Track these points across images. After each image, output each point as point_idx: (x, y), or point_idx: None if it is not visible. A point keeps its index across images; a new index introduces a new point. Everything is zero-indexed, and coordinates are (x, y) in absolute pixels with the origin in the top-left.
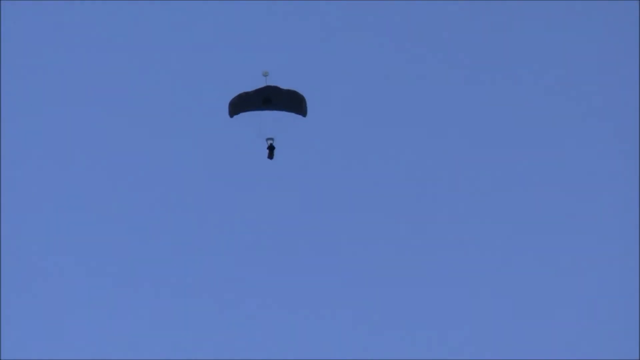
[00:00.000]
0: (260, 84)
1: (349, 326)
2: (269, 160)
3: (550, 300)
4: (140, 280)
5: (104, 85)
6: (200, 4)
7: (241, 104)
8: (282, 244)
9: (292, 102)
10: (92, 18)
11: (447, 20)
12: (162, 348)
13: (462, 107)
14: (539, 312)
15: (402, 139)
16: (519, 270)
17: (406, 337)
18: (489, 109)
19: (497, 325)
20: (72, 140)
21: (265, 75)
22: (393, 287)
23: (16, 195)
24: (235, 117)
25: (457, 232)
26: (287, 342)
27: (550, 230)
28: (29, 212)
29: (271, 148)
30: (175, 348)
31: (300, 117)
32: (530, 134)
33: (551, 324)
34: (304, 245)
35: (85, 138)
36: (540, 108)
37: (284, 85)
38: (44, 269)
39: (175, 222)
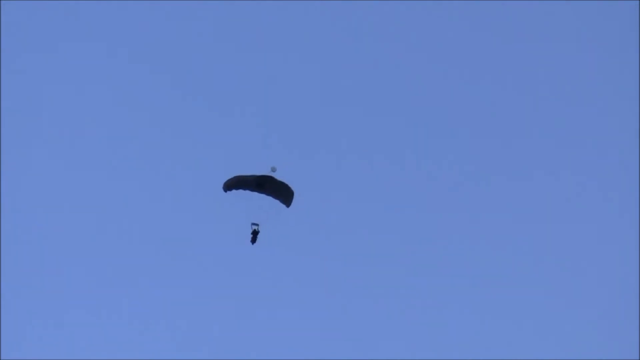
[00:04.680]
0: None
1: (347, 327)
2: (251, 244)
3: (550, 300)
4: (139, 280)
5: (103, 85)
6: (202, 4)
7: (237, 183)
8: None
9: (281, 192)
10: (92, 18)
11: (447, 20)
12: (162, 348)
13: (462, 105)
14: (540, 312)
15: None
16: (519, 271)
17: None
18: (488, 107)
19: (497, 325)
20: (72, 141)
21: (274, 170)
22: (394, 288)
23: (16, 195)
24: (228, 193)
25: (456, 231)
26: (293, 341)
27: (549, 230)
28: (29, 212)
29: (255, 233)
30: (174, 348)
31: (284, 206)
32: (530, 133)
33: (551, 323)
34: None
35: (85, 138)
36: (540, 108)
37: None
38: (44, 269)
39: (174, 223)
